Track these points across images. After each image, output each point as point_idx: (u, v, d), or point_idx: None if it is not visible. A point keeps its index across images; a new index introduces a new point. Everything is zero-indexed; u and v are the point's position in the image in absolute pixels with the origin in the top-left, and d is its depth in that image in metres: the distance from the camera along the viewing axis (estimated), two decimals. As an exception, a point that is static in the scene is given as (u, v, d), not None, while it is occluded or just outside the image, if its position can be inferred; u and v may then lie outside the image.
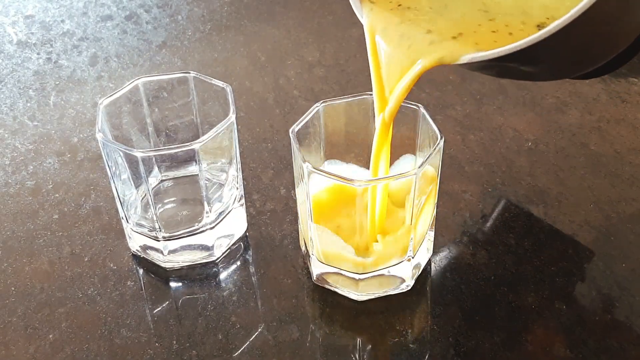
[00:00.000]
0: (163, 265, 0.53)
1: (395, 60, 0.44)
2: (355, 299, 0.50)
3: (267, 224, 0.56)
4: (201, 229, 0.52)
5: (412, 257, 0.49)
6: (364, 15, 0.45)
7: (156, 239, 0.52)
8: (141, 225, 0.52)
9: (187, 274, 0.53)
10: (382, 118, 0.46)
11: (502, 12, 0.43)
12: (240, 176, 0.53)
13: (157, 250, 0.52)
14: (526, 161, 0.60)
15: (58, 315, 0.50)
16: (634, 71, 0.69)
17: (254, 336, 0.49)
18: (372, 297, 0.50)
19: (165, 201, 0.55)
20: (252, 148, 0.62)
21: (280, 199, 0.58)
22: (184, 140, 0.55)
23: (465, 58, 0.40)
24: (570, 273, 0.52)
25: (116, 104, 0.51)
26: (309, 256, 0.51)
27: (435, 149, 0.46)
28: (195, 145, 0.47)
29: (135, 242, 0.53)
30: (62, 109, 0.67)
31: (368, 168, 0.50)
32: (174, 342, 0.48)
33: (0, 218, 0.57)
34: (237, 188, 0.53)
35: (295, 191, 0.54)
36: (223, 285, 0.52)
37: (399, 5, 0.45)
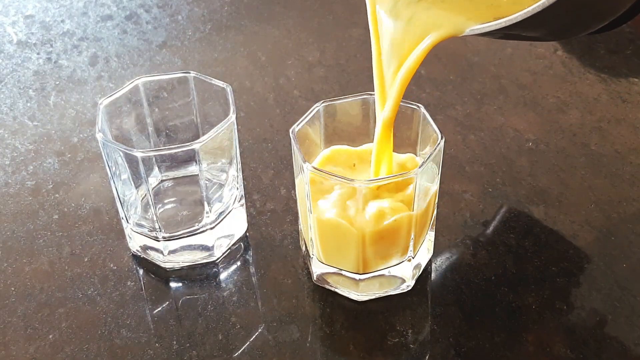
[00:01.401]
0: (163, 265, 0.53)
1: (401, 34, 0.44)
2: (355, 299, 0.50)
3: (267, 224, 0.56)
4: (201, 229, 0.52)
5: (413, 258, 0.49)
6: None
7: (156, 239, 0.52)
8: (141, 226, 0.52)
9: (187, 274, 0.53)
10: (382, 120, 0.46)
11: None
12: (241, 176, 0.53)
13: (157, 250, 0.52)
14: (527, 161, 0.60)
15: (58, 316, 0.50)
16: (635, 71, 0.69)
17: (254, 336, 0.48)
18: (373, 297, 0.50)
19: (165, 201, 0.55)
20: (252, 148, 0.62)
21: (280, 199, 0.57)
22: (184, 140, 0.55)
23: (473, 30, 0.41)
24: (571, 273, 0.52)
25: (116, 104, 0.51)
26: (309, 256, 0.51)
27: (435, 149, 0.46)
28: (195, 145, 0.47)
29: (135, 242, 0.53)
30: (62, 109, 0.67)
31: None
32: (174, 342, 0.48)
33: (0, 218, 0.57)
34: (237, 188, 0.53)
35: (295, 191, 0.54)
36: (223, 285, 0.52)
37: None
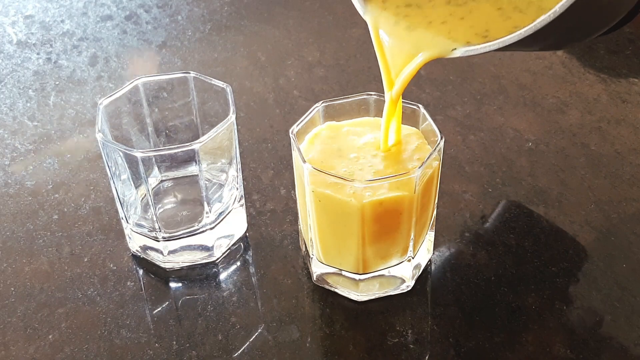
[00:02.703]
0: (163, 265, 0.53)
1: (399, 52, 0.45)
2: (355, 299, 0.50)
3: (267, 224, 0.56)
4: (201, 230, 0.52)
5: (412, 258, 0.49)
6: (367, 12, 0.46)
7: (156, 239, 0.52)
8: (141, 226, 0.52)
9: (186, 274, 0.53)
10: (389, 96, 0.47)
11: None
12: (240, 176, 0.53)
13: (157, 250, 0.52)
14: (526, 161, 0.60)
15: (58, 316, 0.50)
16: (635, 71, 0.69)
17: (254, 337, 0.48)
18: (372, 297, 0.50)
19: (165, 201, 0.55)
20: (252, 148, 0.62)
21: (280, 199, 0.57)
22: (184, 140, 0.55)
23: (468, 50, 0.41)
24: (571, 273, 0.52)
25: (116, 104, 0.51)
26: (309, 257, 0.51)
27: (435, 149, 0.46)
28: (195, 146, 0.47)
29: (135, 242, 0.53)
30: (62, 109, 0.67)
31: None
32: (174, 342, 0.48)
33: (0, 218, 0.57)
34: (237, 188, 0.53)
35: (295, 191, 0.54)
36: (223, 285, 0.52)
37: (407, 4, 0.46)
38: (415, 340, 0.48)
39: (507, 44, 0.39)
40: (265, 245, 0.54)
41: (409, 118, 0.50)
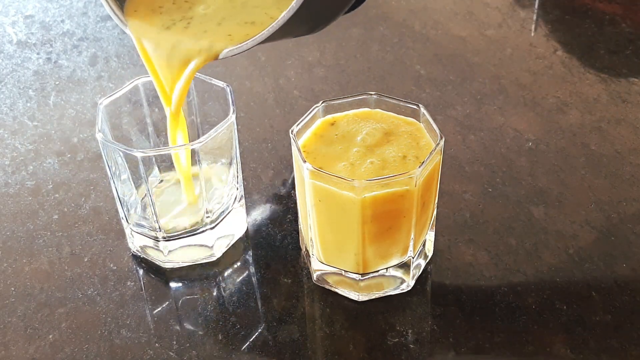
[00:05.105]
0: (163, 265, 0.53)
1: (165, 63, 0.48)
2: (355, 299, 0.50)
3: (267, 224, 0.56)
4: (201, 229, 0.52)
5: (413, 258, 0.49)
6: (128, 25, 0.49)
7: (156, 239, 0.52)
8: (141, 226, 0.52)
9: (187, 274, 0.53)
10: (169, 112, 0.49)
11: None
12: (241, 176, 0.53)
13: (157, 250, 0.52)
14: (526, 161, 0.60)
15: (58, 316, 0.50)
16: (635, 71, 0.69)
17: (254, 336, 0.48)
18: (372, 297, 0.50)
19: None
20: (252, 148, 0.62)
21: (280, 199, 0.57)
22: (184, 140, 0.55)
23: (226, 52, 0.46)
24: (571, 273, 0.52)
25: (116, 104, 0.51)
26: (309, 256, 0.51)
27: (435, 149, 0.46)
28: (195, 145, 0.47)
29: (135, 242, 0.53)
30: (62, 109, 0.67)
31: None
32: (174, 342, 0.48)
33: (0, 218, 0.57)
34: (237, 188, 0.53)
35: (295, 191, 0.54)
36: (223, 285, 0.52)
37: (160, 11, 0.50)
38: (415, 340, 0.48)
39: (265, 37, 0.43)
40: (266, 245, 0.54)
41: (409, 118, 0.50)
